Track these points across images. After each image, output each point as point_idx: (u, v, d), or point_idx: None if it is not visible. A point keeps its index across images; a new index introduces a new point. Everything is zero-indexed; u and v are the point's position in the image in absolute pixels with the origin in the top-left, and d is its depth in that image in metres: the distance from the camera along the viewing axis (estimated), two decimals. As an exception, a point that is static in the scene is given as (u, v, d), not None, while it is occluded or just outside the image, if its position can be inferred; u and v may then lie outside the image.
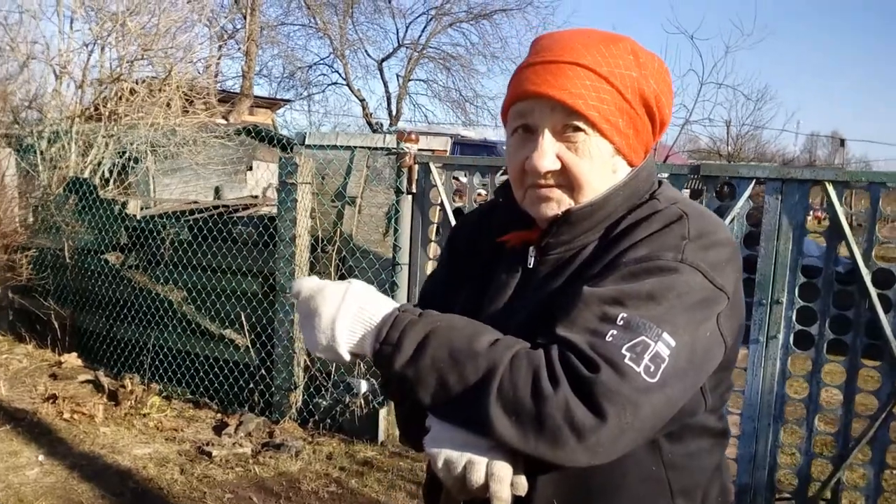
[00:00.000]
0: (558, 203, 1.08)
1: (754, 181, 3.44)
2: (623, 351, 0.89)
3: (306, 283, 1.09)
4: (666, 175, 3.73)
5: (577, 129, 1.04)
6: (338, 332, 1.03)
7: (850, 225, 3.31)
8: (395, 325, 1.00)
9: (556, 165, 1.06)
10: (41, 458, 3.84)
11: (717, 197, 3.56)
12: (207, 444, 4.06)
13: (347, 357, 1.04)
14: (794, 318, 3.36)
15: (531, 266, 1.13)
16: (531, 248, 1.13)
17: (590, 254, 1.07)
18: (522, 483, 0.95)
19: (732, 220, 3.45)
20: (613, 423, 0.86)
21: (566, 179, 1.07)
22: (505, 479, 0.93)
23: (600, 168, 1.07)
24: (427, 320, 1.00)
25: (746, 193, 3.42)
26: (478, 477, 0.92)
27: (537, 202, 1.09)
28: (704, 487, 1.11)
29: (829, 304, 3.32)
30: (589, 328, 0.93)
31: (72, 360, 5.33)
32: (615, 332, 0.91)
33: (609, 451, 0.89)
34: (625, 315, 0.92)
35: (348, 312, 1.03)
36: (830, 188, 3.28)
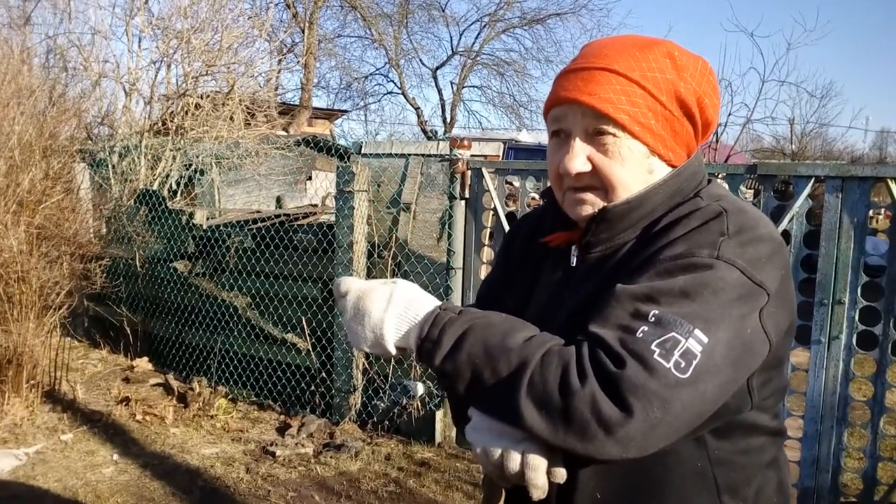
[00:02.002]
0: (592, 204, 1.11)
1: (813, 179, 3.38)
2: (652, 347, 0.90)
3: (354, 284, 1.14)
4: (721, 175, 3.70)
5: (607, 132, 1.07)
6: (386, 330, 1.08)
7: (916, 222, 3.22)
8: (436, 323, 1.05)
9: (587, 167, 1.09)
10: (116, 457, 4.03)
11: (778, 196, 3.50)
12: (271, 445, 4.20)
13: (394, 351, 1.10)
14: (856, 318, 3.28)
15: (574, 265, 1.17)
16: (573, 248, 1.17)
17: (629, 251, 1.09)
18: (561, 472, 0.97)
19: (792, 218, 3.40)
20: (640, 417, 0.87)
21: (598, 181, 1.10)
22: (539, 468, 0.96)
23: (633, 169, 1.09)
24: (465, 318, 1.04)
25: (805, 192, 3.36)
26: (513, 465, 0.96)
27: (574, 204, 1.13)
28: (757, 485, 1.10)
29: (894, 304, 3.23)
30: (620, 325, 0.94)
31: (143, 364, 5.56)
32: (646, 328, 0.92)
33: (641, 445, 0.89)
34: (656, 312, 0.93)
35: (395, 312, 1.09)
36: (893, 185, 3.20)
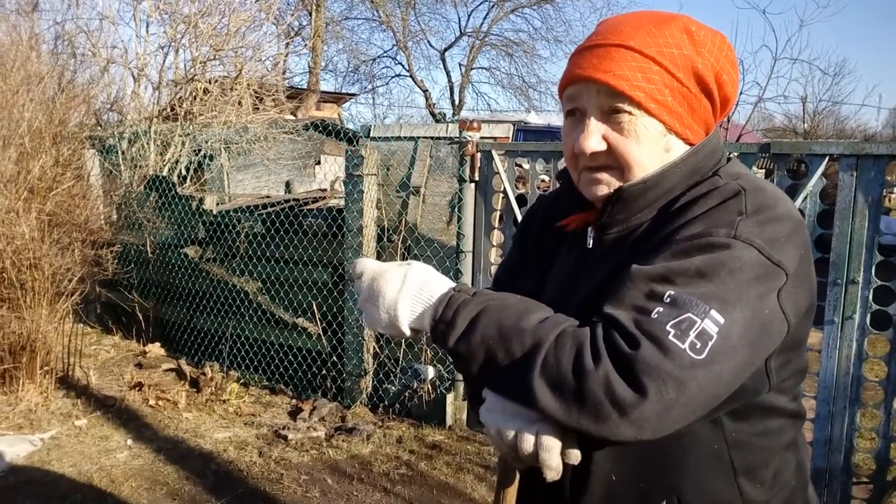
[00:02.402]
0: (608, 184, 1.09)
1: (828, 158, 3.34)
2: (668, 328, 0.89)
3: (369, 265, 1.14)
4: (735, 154, 3.65)
5: (623, 110, 1.05)
6: (400, 312, 1.08)
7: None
8: (450, 304, 1.04)
9: (602, 146, 1.07)
10: (129, 442, 4.06)
11: (791, 175, 3.46)
12: (283, 429, 4.22)
13: (408, 332, 1.10)
14: (870, 297, 3.25)
15: (590, 246, 1.15)
16: (590, 229, 1.15)
17: (646, 231, 1.07)
18: (575, 454, 0.96)
19: (805, 198, 3.36)
20: (655, 398, 0.86)
21: (614, 160, 1.08)
22: (553, 449, 0.95)
23: (650, 147, 1.07)
24: (479, 299, 1.03)
25: (819, 171, 3.32)
26: (527, 446, 0.96)
27: (589, 184, 1.11)
28: (775, 467, 1.09)
29: (909, 283, 3.20)
30: (635, 305, 0.93)
31: (155, 349, 5.60)
32: (661, 309, 0.91)
33: (657, 426, 0.88)
34: (672, 292, 0.92)
35: (409, 293, 1.08)
36: (908, 163, 3.15)
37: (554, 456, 0.95)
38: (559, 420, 0.92)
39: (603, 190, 1.10)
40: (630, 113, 1.05)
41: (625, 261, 1.03)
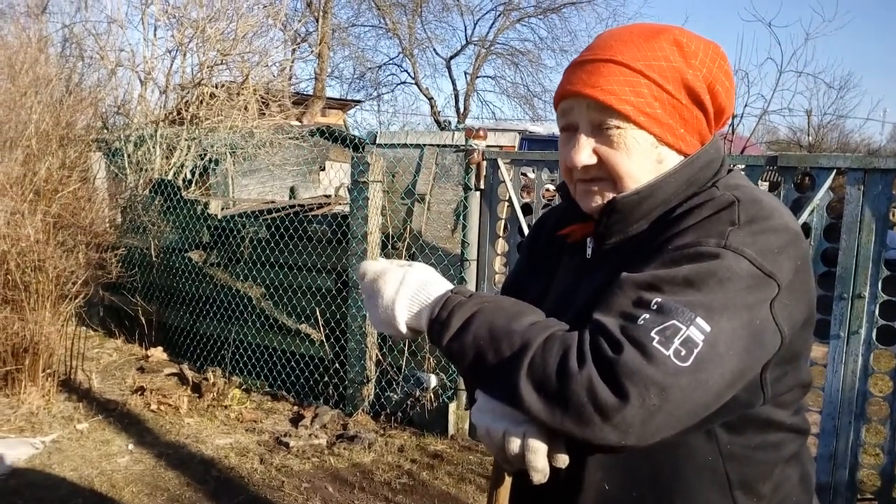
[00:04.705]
0: (602, 196, 1.11)
1: (835, 171, 3.33)
2: (652, 334, 0.89)
3: (371, 266, 1.17)
4: (742, 166, 3.65)
5: (612, 124, 1.07)
6: (397, 311, 1.10)
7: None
8: (446, 305, 1.06)
9: (593, 160, 1.09)
10: (131, 446, 4.05)
11: (797, 188, 3.45)
12: (285, 436, 4.21)
13: (405, 331, 1.12)
14: (877, 312, 3.24)
15: (589, 256, 1.17)
16: (588, 239, 1.17)
17: (641, 242, 1.08)
18: (563, 458, 0.97)
19: (812, 211, 3.35)
20: (636, 403, 0.86)
21: (606, 172, 1.10)
22: (539, 451, 0.96)
23: (641, 159, 1.08)
24: (475, 301, 1.06)
25: (826, 184, 3.32)
26: (514, 447, 0.97)
27: (584, 196, 1.14)
28: (775, 481, 1.08)
29: (916, 299, 3.19)
30: (622, 312, 0.94)
31: (158, 354, 5.59)
32: (647, 315, 0.91)
33: (641, 432, 0.88)
34: (659, 299, 0.92)
35: (407, 293, 1.11)
36: (916, 178, 3.14)
37: (540, 458, 0.96)
38: (544, 421, 0.93)
39: (597, 202, 1.12)
40: (619, 126, 1.07)
41: (620, 270, 1.03)
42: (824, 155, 3.68)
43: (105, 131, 6.84)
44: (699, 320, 0.90)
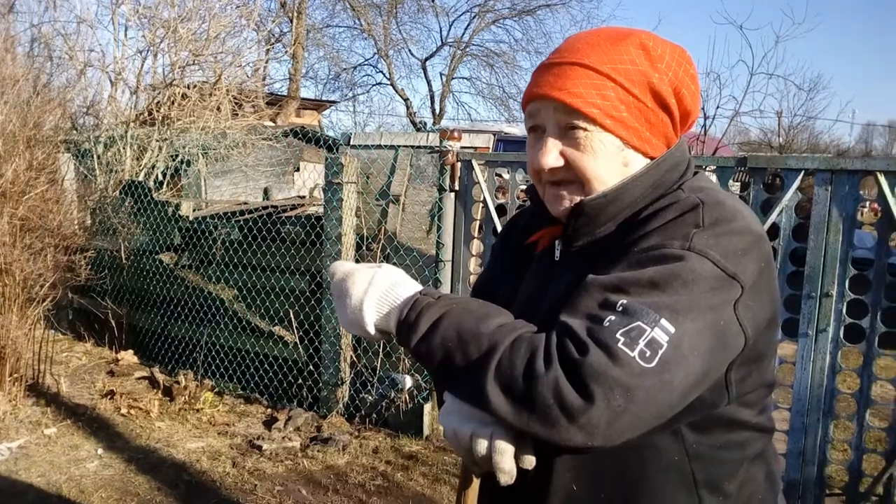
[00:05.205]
0: (570, 199, 1.12)
1: (803, 172, 3.38)
2: (618, 336, 0.90)
3: (340, 267, 1.17)
4: (712, 168, 3.69)
5: (579, 126, 1.07)
6: (365, 312, 1.10)
7: (903, 216, 3.22)
8: (414, 306, 1.06)
9: (559, 163, 1.10)
10: (100, 451, 3.99)
11: (767, 189, 3.50)
12: (258, 438, 4.17)
13: (373, 332, 1.12)
14: (844, 311, 3.29)
15: (558, 258, 1.18)
16: (557, 242, 1.18)
17: (608, 244, 1.09)
18: (529, 459, 0.98)
19: (781, 211, 3.39)
20: (602, 404, 0.87)
21: (573, 175, 1.10)
22: (506, 452, 0.96)
23: (607, 162, 1.09)
24: (443, 302, 1.06)
25: (795, 185, 3.36)
26: (481, 448, 0.97)
27: (552, 199, 1.14)
28: (741, 479, 1.10)
29: (881, 297, 3.24)
30: (588, 314, 0.94)
31: (128, 357, 5.51)
32: (613, 317, 0.92)
33: (606, 433, 0.88)
34: (624, 301, 0.93)
35: (375, 294, 1.11)
36: (882, 179, 3.20)
37: (507, 459, 0.97)
38: (511, 423, 0.93)
39: (565, 204, 1.12)
40: (586, 129, 1.07)
41: (587, 272, 1.04)
42: (793, 156, 3.73)
43: (74, 132, 6.73)
44: (664, 322, 0.91)
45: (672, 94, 1.09)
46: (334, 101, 20.81)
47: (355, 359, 4.56)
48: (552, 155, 1.09)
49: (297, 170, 9.55)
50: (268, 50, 13.83)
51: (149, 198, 5.72)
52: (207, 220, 5.61)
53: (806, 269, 3.34)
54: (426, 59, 21.85)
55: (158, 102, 7.08)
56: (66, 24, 7.44)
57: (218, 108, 7.10)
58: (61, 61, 7.25)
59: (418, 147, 4.52)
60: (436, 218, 4.30)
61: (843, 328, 3.30)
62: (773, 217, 3.38)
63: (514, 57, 21.74)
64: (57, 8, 7.80)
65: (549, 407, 0.89)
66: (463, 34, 21.71)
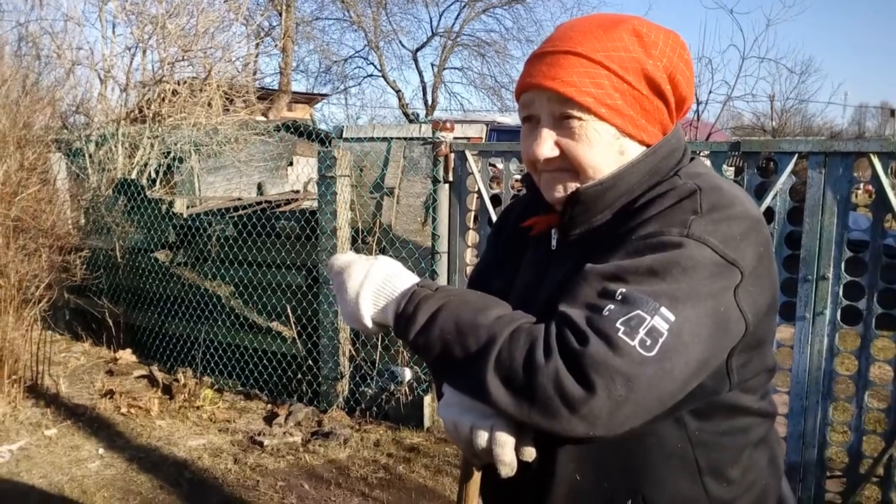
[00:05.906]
0: (565, 187, 1.11)
1: (796, 156, 3.37)
2: (618, 325, 0.89)
3: (338, 259, 1.17)
4: (706, 153, 3.69)
5: (573, 115, 1.06)
6: (362, 304, 1.10)
7: (898, 197, 3.22)
8: (412, 299, 1.05)
9: (555, 152, 1.09)
10: (101, 451, 3.99)
11: (761, 173, 3.50)
12: (259, 434, 4.17)
13: (370, 325, 1.11)
14: (840, 293, 3.30)
15: (554, 247, 1.17)
16: (553, 231, 1.17)
17: (605, 232, 1.08)
18: (530, 451, 0.97)
19: (775, 195, 3.39)
20: (603, 394, 0.86)
21: (568, 164, 1.10)
22: (507, 445, 0.96)
23: (603, 150, 1.08)
24: (440, 294, 1.05)
25: (788, 168, 3.36)
26: (482, 441, 0.97)
27: (548, 187, 1.14)
28: (743, 465, 1.10)
29: (877, 278, 3.25)
30: (588, 303, 0.94)
31: (126, 356, 5.50)
32: (612, 306, 0.91)
33: (609, 423, 0.88)
34: (623, 290, 0.93)
35: (371, 286, 1.10)
36: (876, 160, 3.19)
37: (507, 451, 0.96)
38: (511, 415, 0.92)
39: (560, 192, 1.12)
40: (580, 118, 1.06)
41: (585, 261, 1.03)
42: (786, 140, 3.73)
43: (65, 131, 6.69)
44: (663, 310, 0.90)
45: (667, 80, 1.08)
46: (326, 95, 20.77)
47: (354, 352, 4.56)
48: (547, 145, 1.09)
49: (291, 164, 9.51)
50: (257, 44, 13.75)
51: (142, 196, 5.69)
52: (202, 216, 5.60)
53: (802, 253, 3.35)
54: (417, 49, 21.81)
55: (149, 99, 7.05)
56: (53, 22, 7.38)
57: (209, 104, 7.06)
58: (49, 60, 7.20)
59: (411, 139, 4.51)
60: (430, 209, 4.29)
61: (839, 310, 3.30)
62: (767, 201, 3.38)
63: (505, 46, 21.73)
64: (44, 6, 7.74)
65: (549, 398, 0.88)
66: (453, 24, 21.68)
